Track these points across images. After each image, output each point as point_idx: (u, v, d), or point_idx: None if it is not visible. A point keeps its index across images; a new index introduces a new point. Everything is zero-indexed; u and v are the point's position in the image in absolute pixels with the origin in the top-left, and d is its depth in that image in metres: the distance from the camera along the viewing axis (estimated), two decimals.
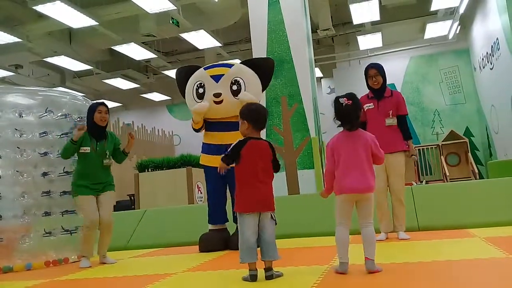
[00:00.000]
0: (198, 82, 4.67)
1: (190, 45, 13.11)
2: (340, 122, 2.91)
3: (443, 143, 12.38)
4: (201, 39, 12.42)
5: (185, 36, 12.17)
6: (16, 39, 10.97)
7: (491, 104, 11.52)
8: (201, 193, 9.21)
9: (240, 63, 4.86)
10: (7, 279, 3.91)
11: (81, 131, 4.30)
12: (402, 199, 4.21)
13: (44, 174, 4.62)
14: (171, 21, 10.88)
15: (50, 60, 13.06)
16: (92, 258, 4.39)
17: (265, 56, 5.19)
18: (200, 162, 4.80)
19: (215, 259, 4.04)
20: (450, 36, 13.25)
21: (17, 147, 4.57)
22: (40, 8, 9.49)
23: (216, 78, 4.60)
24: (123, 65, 14.83)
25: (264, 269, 2.84)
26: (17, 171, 4.53)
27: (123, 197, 11.56)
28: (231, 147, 3.00)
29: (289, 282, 2.70)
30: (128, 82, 15.79)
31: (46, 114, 4.76)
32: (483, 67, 11.91)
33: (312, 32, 8.43)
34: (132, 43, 12.43)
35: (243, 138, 3.02)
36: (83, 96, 5.65)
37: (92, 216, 4.24)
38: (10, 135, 4.56)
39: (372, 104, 4.25)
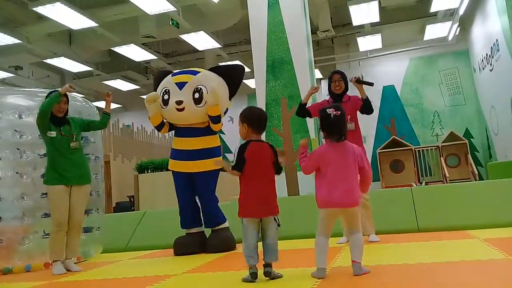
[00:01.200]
0: (164, 89, 4.71)
1: (190, 46, 13.11)
2: (326, 133, 2.88)
3: (443, 144, 12.38)
4: (201, 40, 12.43)
5: (185, 37, 12.18)
6: (16, 41, 10.97)
7: (491, 105, 11.53)
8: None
9: (209, 69, 4.88)
10: (7, 281, 3.90)
11: (71, 89, 4.14)
12: (367, 203, 4.19)
13: (44, 175, 4.60)
14: (170, 23, 10.88)
15: (50, 61, 13.07)
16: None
17: (235, 64, 5.20)
18: (169, 167, 4.84)
19: (214, 260, 4.04)
20: (450, 38, 13.26)
21: (17, 148, 4.57)
22: (40, 9, 9.49)
23: (180, 85, 4.63)
24: (123, 67, 14.83)
25: (263, 265, 2.86)
26: (16, 172, 4.53)
27: (123, 199, 11.55)
28: (236, 154, 2.96)
29: (288, 284, 2.70)
30: (128, 83, 15.79)
31: None
32: (483, 69, 11.92)
33: (311, 34, 8.44)
34: (132, 44, 12.43)
35: (244, 141, 3.00)
36: (82, 97, 5.66)
37: (62, 213, 4.05)
38: (10, 136, 4.57)
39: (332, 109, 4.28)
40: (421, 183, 11.88)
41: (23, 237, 4.48)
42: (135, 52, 13.14)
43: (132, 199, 10.74)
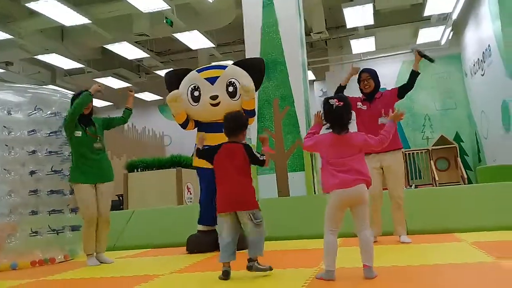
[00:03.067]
0: (193, 85, 4.62)
1: (183, 45, 13.07)
2: (329, 124, 2.82)
3: (433, 147, 12.45)
4: (194, 39, 12.38)
5: (179, 36, 12.13)
6: (8, 36, 10.86)
7: (481, 110, 11.62)
8: (190, 194, 9.17)
9: (233, 64, 4.85)
10: None
11: (99, 88, 4.35)
12: (401, 204, 4.15)
13: (32, 172, 4.57)
14: (164, 21, 10.84)
15: (41, 57, 12.95)
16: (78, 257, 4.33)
17: (257, 56, 5.16)
18: (193, 164, 4.77)
19: (203, 260, 4.02)
20: (443, 42, 13.35)
21: (5, 145, 4.52)
22: (32, 5, 9.40)
23: (211, 80, 4.57)
24: (115, 64, 14.75)
25: (247, 259, 2.94)
26: (4, 169, 4.47)
27: (112, 197, 11.48)
28: (209, 147, 3.22)
29: (276, 285, 2.69)
30: (120, 81, 15.69)
31: (35, 112, 4.71)
32: (475, 73, 12.00)
33: (305, 35, 8.43)
34: (125, 42, 12.35)
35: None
36: (73, 94, 5.59)
37: (91, 210, 4.22)
38: None
39: (365, 106, 4.26)
40: (410, 186, 11.94)
41: (10, 235, 4.42)
42: (127, 50, 13.05)
43: (121, 197, 10.66)
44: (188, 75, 4.73)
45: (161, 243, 5.30)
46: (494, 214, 4.63)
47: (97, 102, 17.43)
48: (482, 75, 11.22)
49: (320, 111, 2.95)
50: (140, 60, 14.88)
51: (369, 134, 2.93)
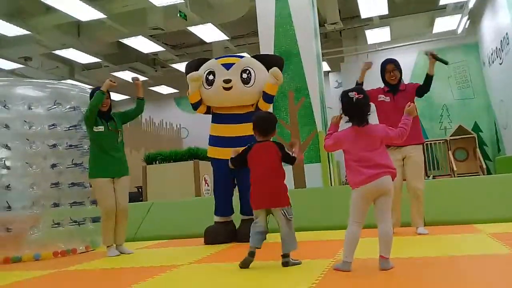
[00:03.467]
0: (209, 70, 4.70)
1: (198, 38, 13.10)
2: (348, 118, 2.81)
3: (451, 138, 12.31)
4: (208, 32, 12.41)
5: (193, 29, 12.16)
6: (25, 32, 11.02)
7: (500, 99, 11.43)
8: (208, 186, 9.25)
9: (252, 57, 4.91)
10: (16, 269, 3.97)
11: (112, 83, 4.39)
12: (421, 196, 4.13)
13: (53, 165, 4.67)
14: (178, 14, 10.87)
15: (58, 52, 13.12)
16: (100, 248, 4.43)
17: (275, 54, 5.22)
18: (208, 155, 4.83)
19: (221, 251, 4.07)
20: (459, 31, 13.13)
21: (26, 139, 4.62)
22: (48, 0, 9.52)
23: (227, 66, 4.66)
24: (131, 58, 14.85)
25: (281, 255, 3.03)
26: (26, 162, 4.58)
27: (131, 189, 11.61)
28: (241, 152, 3.28)
29: (293, 275, 2.73)
30: (136, 75, 15.82)
31: (55, 106, 4.81)
32: (493, 62, 11.81)
33: (319, 26, 8.40)
34: (140, 36, 12.44)
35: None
36: (91, 88, 5.68)
37: (110, 202, 4.30)
38: (19, 127, 4.61)
39: (388, 97, 4.21)
40: (428, 176, 11.84)
41: (32, 227, 4.54)
42: (143, 44, 13.15)
43: (140, 189, 10.81)
44: (207, 62, 4.83)
45: (179, 234, 5.37)
46: None
47: (115, 96, 17.63)
48: (501, 63, 11.03)
49: (339, 115, 2.96)
50: (155, 53, 14.96)
51: (391, 126, 2.92)
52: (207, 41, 13.30)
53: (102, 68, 15.13)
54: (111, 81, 4.42)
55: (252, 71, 4.62)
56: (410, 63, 13.76)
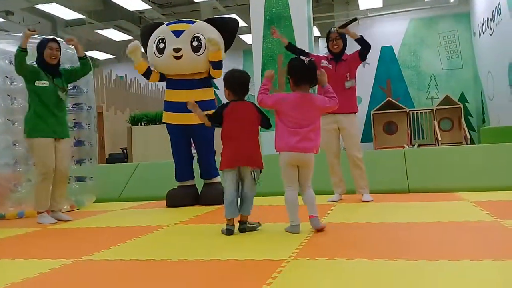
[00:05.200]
0: (160, 38, 4.61)
1: None
2: (297, 79, 2.89)
3: (437, 107, 12.39)
4: None
5: None
6: None
7: (488, 70, 11.46)
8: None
9: (204, 20, 4.80)
10: (0, 226, 3.93)
11: (31, 32, 3.87)
12: (359, 163, 4.20)
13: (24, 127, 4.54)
14: None
15: (41, 7, 12.68)
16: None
17: (229, 17, 5.10)
18: (163, 120, 4.81)
19: (207, 213, 4.08)
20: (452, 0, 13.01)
21: (7, 95, 4.49)
22: None
23: (177, 33, 4.55)
24: (116, 16, 14.44)
25: (239, 221, 3.00)
26: (8, 119, 4.47)
27: (116, 150, 11.55)
28: (216, 109, 3.17)
29: (278, 240, 2.73)
30: (121, 34, 15.43)
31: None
32: (483, 32, 11.76)
33: None
34: None
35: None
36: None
37: (50, 163, 3.92)
38: (0, 83, 4.47)
39: (331, 65, 4.21)
40: (413, 145, 11.97)
41: (16, 184, 4.48)
42: (129, 1, 12.76)
43: (125, 151, 10.74)
44: (158, 28, 4.71)
45: (164, 195, 5.36)
46: (496, 175, 4.66)
47: (99, 55, 17.24)
48: (491, 34, 10.99)
49: (273, 71, 3.11)
50: (142, 12, 14.56)
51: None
52: (196, 0, 12.95)
53: (86, 25, 14.70)
54: (29, 30, 3.87)
55: (202, 38, 4.52)
56: (401, 30, 13.66)
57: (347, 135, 4.22)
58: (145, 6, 13.46)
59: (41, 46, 4.06)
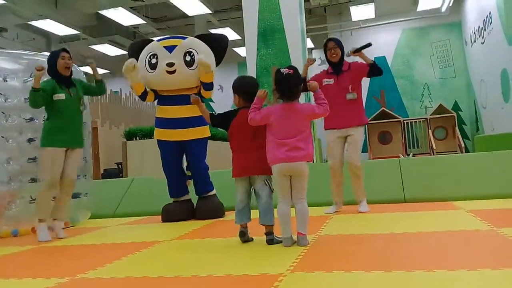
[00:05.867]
0: (151, 53, 4.61)
1: (180, 11, 12.84)
2: (279, 94, 2.88)
3: (431, 116, 12.45)
4: (191, 5, 12.16)
5: (175, 1, 11.90)
6: (0, 1, 10.63)
7: (481, 78, 11.56)
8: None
9: (195, 36, 4.83)
10: None
11: (40, 72, 3.89)
12: (359, 173, 4.19)
13: (30, 140, 4.54)
14: None
15: (35, 23, 12.71)
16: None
17: (219, 33, 5.14)
18: (154, 137, 4.81)
19: (203, 227, 4.06)
20: (443, 9, 13.15)
21: (2, 112, 4.48)
22: None
23: (169, 48, 4.56)
24: (111, 31, 14.50)
25: (265, 233, 2.97)
26: (2, 136, 4.45)
27: (111, 165, 11.49)
28: (224, 112, 3.17)
29: (275, 253, 2.72)
30: (116, 48, 15.49)
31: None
32: (475, 41, 11.88)
33: (304, 1, 8.28)
34: (120, 7, 12.12)
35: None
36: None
37: (56, 172, 3.96)
38: None
39: (332, 79, 4.20)
40: (408, 155, 11.99)
41: (10, 202, 4.44)
42: (123, 16, 12.84)
43: (120, 166, 10.69)
44: (148, 44, 4.73)
45: (160, 210, 5.33)
46: (491, 183, 4.67)
47: None
48: (482, 43, 11.10)
49: (265, 90, 3.04)
50: (136, 26, 14.64)
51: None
52: (189, 14, 13.05)
53: (80, 41, 14.75)
54: (37, 69, 3.89)
55: (195, 53, 4.54)
56: (394, 41, 13.80)
57: (350, 142, 4.18)
58: (139, 21, 13.54)
59: (53, 58, 4.07)
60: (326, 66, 4.38)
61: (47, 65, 4.06)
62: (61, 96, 4.00)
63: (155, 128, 4.79)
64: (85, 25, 14.14)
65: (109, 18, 12.97)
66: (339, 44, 4.22)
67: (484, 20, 10.72)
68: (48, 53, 4.28)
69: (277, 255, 2.63)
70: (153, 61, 4.56)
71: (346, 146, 4.24)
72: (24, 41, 14.26)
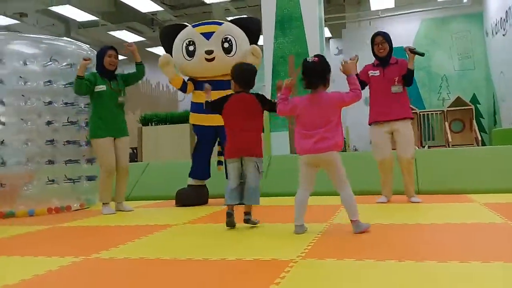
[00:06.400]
0: (188, 40, 4.60)
1: None
2: (305, 83, 2.85)
3: (449, 109, 12.27)
4: None
5: None
6: None
7: (501, 71, 11.34)
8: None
9: (229, 21, 4.84)
10: (10, 224, 3.98)
11: (86, 62, 4.25)
12: (411, 168, 4.13)
13: (49, 123, 4.63)
14: None
15: (55, 9, 12.82)
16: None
17: (250, 16, 5.13)
18: (190, 122, 4.82)
19: (216, 212, 4.10)
20: (464, 0, 12.89)
21: (22, 95, 4.55)
22: None
23: (207, 35, 4.55)
24: (129, 17, 14.55)
25: (244, 212, 3.11)
26: (21, 119, 4.53)
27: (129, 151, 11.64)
28: (218, 98, 3.32)
29: (287, 240, 2.74)
30: (133, 35, 15.55)
31: (50, 63, 4.71)
32: (496, 33, 11.64)
33: None
34: None
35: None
36: (88, 47, 5.56)
37: (111, 160, 4.34)
38: (14, 83, 4.54)
39: (377, 71, 4.14)
40: (423, 147, 11.88)
41: (27, 183, 4.53)
42: (141, 3, 12.87)
43: (135, 150, 10.80)
44: (184, 30, 4.70)
45: (173, 194, 5.38)
46: (506, 177, 4.61)
47: None
48: (504, 35, 10.87)
49: (291, 79, 3.03)
50: (154, 13, 14.66)
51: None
52: (207, 1, 13.01)
53: (99, 27, 14.83)
54: (84, 59, 4.29)
55: (233, 39, 4.56)
56: (413, 31, 13.56)
57: (400, 137, 4.09)
58: (158, 8, 13.55)
59: (101, 54, 4.40)
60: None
61: (96, 59, 4.44)
62: (102, 87, 4.32)
63: (190, 112, 4.81)
64: (103, 11, 14.21)
65: (128, 5, 13.01)
66: (387, 39, 4.13)
67: (506, 11, 10.48)
68: (67, 39, 4.40)
69: (289, 242, 2.65)
70: (191, 48, 4.56)
71: (397, 140, 4.12)
72: (44, 26, 14.40)
